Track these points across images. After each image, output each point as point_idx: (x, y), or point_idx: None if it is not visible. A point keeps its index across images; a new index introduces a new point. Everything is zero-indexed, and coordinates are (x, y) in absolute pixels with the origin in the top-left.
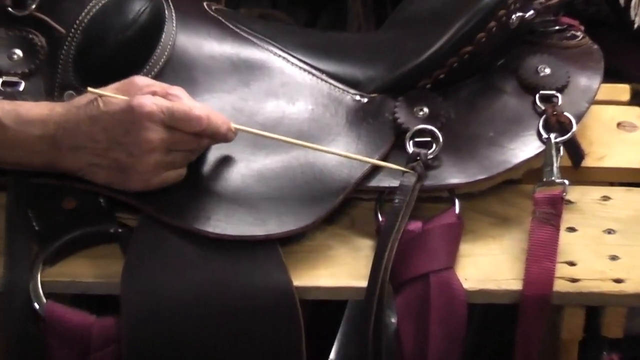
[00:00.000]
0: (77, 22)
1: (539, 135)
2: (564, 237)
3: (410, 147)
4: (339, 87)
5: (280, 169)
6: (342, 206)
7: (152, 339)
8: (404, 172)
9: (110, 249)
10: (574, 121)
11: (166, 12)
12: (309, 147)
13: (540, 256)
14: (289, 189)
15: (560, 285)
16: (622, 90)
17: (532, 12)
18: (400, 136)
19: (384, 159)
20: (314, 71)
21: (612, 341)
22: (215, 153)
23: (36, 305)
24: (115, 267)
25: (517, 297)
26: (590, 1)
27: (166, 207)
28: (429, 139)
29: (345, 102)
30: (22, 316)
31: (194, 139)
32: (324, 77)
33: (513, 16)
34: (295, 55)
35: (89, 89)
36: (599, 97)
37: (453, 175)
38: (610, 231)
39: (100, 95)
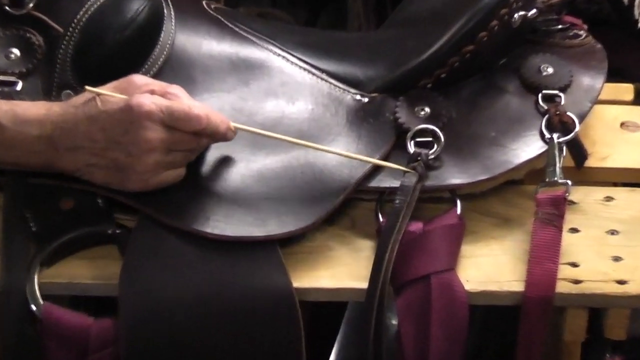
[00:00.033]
0: (75, 21)
1: (542, 135)
2: (566, 238)
3: (411, 147)
4: (339, 87)
5: (280, 169)
6: (342, 207)
7: (151, 340)
8: (404, 172)
9: (108, 250)
10: (576, 121)
11: (165, 11)
12: (309, 147)
13: (543, 257)
14: (288, 189)
15: (562, 287)
16: (626, 90)
17: (534, 10)
18: (401, 136)
19: (385, 159)
20: (314, 70)
21: (615, 343)
22: (214, 153)
23: (33, 307)
24: (113, 268)
25: (519, 299)
26: (592, 0)
27: (165, 208)
28: (430, 139)
29: (345, 102)
30: (19, 318)
31: (193, 139)
32: (324, 76)
33: (515, 15)
34: (295, 54)
35: (87, 87)
36: (602, 96)
37: (454, 176)
38: (613, 232)
39: (99, 94)
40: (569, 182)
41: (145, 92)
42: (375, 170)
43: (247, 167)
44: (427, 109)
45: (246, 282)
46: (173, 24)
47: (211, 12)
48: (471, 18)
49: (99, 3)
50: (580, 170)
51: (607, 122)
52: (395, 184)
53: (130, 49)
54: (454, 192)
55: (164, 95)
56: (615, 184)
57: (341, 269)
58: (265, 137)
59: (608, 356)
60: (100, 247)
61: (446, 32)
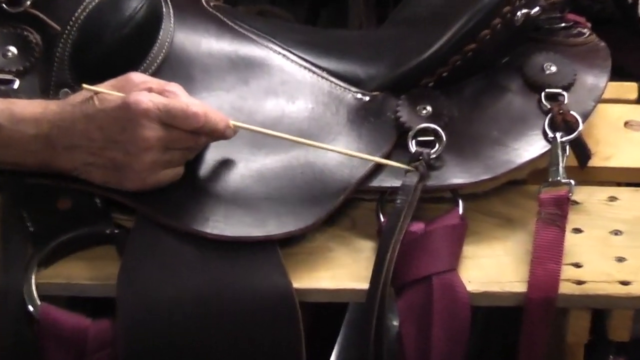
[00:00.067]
0: (73, 19)
1: (545, 134)
2: (569, 238)
3: (412, 147)
4: (339, 85)
5: (280, 169)
6: (342, 207)
7: (149, 341)
8: (406, 171)
9: (106, 250)
10: (580, 120)
11: (164, 9)
12: (309, 145)
13: (546, 258)
14: (288, 189)
15: (565, 288)
16: (630, 89)
17: (537, 8)
18: (402, 135)
19: (386, 159)
20: (314, 69)
21: (618, 344)
22: (213, 152)
23: (30, 308)
24: (111, 268)
25: (522, 300)
26: None
27: (163, 208)
28: (431, 138)
29: (346, 101)
30: (16, 319)
31: (192, 137)
32: (324, 74)
33: (518, 13)
34: (295, 52)
35: (84, 85)
36: (605, 95)
37: (456, 175)
38: (617, 232)
39: (96, 93)
40: (572, 181)
41: (143, 89)
42: (376, 170)
43: (246, 167)
44: (429, 108)
45: (246, 282)
46: (172, 22)
47: (210, 10)
48: (473, 16)
49: (97, 1)
50: (584, 170)
51: (610, 121)
52: (397, 183)
53: (128, 47)
54: (456, 192)
55: (161, 93)
56: (619, 184)
57: (341, 270)
58: (265, 137)
59: (611, 358)
60: (98, 248)
61: (448, 31)
